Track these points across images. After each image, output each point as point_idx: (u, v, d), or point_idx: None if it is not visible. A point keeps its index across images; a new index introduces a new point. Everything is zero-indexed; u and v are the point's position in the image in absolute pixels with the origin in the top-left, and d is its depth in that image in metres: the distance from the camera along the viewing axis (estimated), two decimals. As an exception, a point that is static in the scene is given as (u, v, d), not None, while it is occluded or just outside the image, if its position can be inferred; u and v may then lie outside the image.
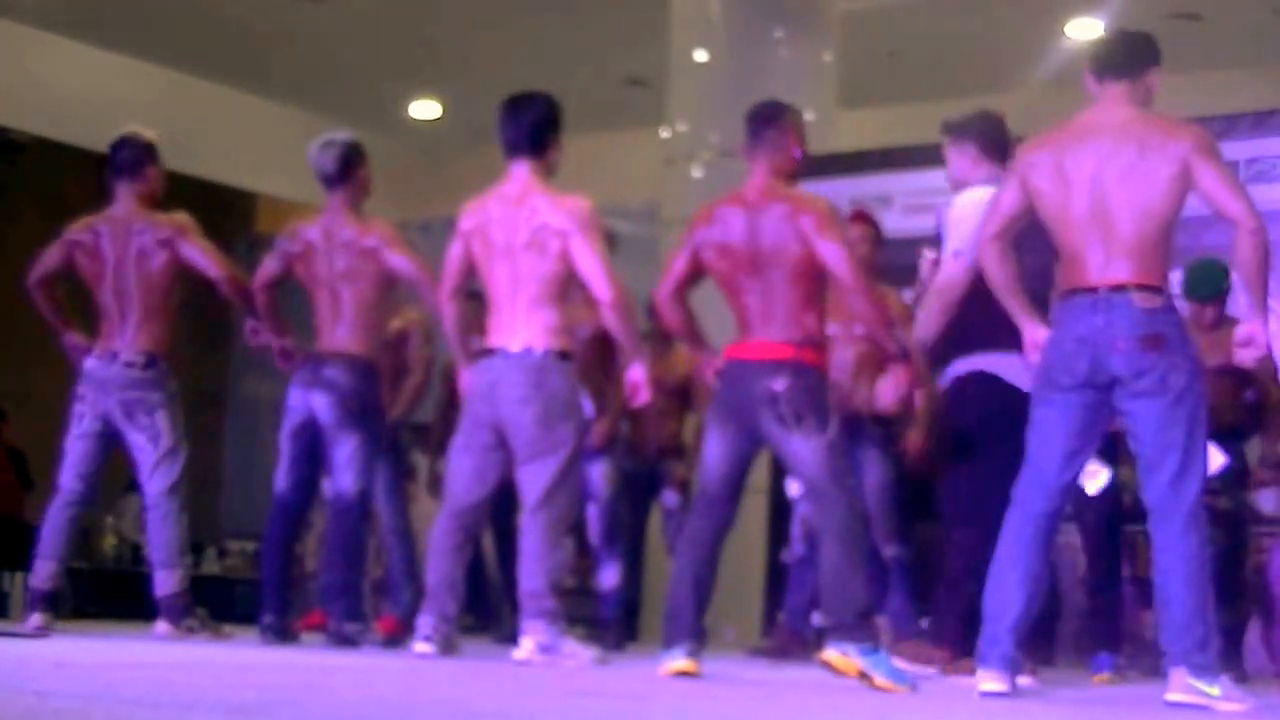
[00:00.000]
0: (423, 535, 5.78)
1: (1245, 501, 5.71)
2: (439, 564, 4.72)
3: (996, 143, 4.78)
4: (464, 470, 4.75)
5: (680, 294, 4.44)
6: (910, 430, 5.90)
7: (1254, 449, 5.86)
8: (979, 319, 4.39)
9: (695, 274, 4.43)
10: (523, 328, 4.62)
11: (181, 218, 5.48)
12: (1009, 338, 4.12)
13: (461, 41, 10.39)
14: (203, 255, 5.43)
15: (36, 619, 5.20)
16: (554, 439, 4.57)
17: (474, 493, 4.74)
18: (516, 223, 4.63)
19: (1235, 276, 3.88)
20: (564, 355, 4.64)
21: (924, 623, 6.32)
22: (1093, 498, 4.68)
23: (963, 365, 4.64)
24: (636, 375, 4.67)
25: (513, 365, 4.60)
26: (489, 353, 4.68)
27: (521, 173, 4.70)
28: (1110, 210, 3.75)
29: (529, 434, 4.58)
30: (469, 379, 4.76)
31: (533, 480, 4.60)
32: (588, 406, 4.81)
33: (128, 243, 5.38)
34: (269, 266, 5.39)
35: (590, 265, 4.59)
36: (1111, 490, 5.16)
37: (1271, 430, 5.72)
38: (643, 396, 4.69)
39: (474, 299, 5.13)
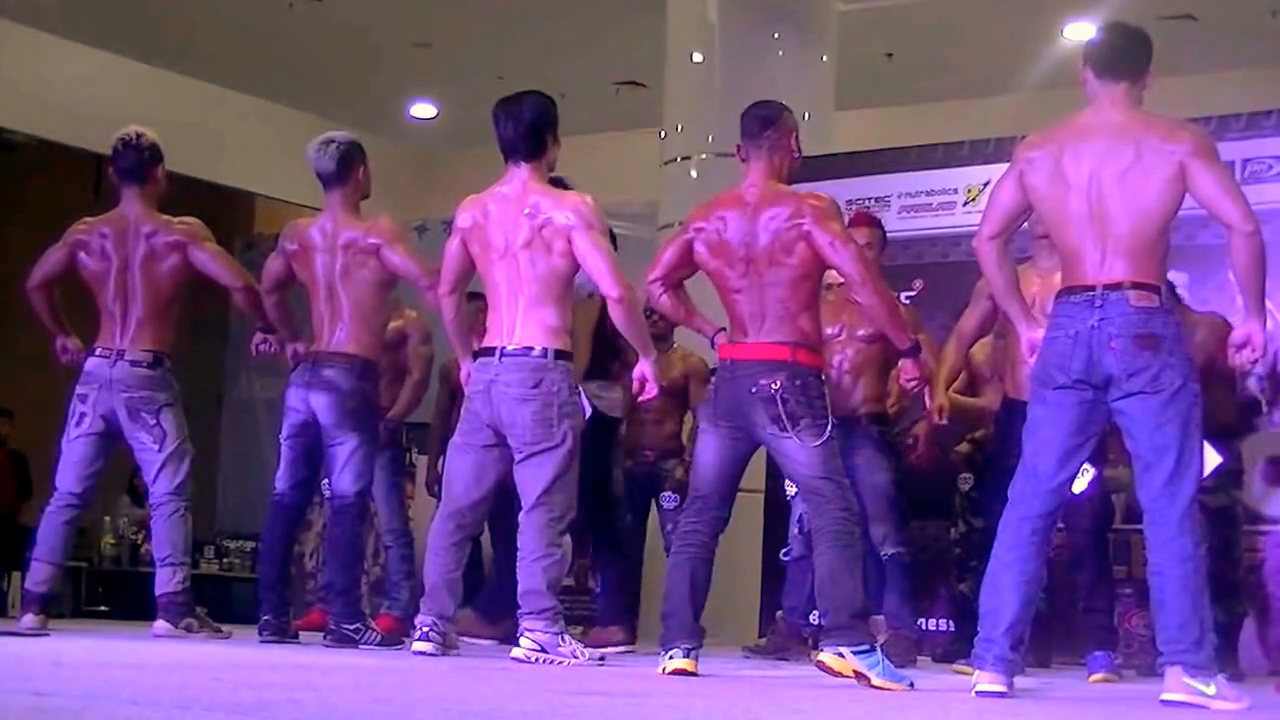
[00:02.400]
0: (421, 534, 5.80)
1: (1237, 499, 5.71)
2: (437, 563, 4.72)
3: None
4: (461, 469, 4.75)
5: (669, 282, 4.44)
6: (916, 427, 5.92)
7: (1252, 449, 5.88)
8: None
9: (685, 265, 4.42)
10: (521, 327, 4.62)
11: (193, 223, 5.49)
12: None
13: (459, 43, 10.40)
14: (215, 262, 5.44)
15: (29, 619, 5.20)
16: (552, 438, 4.58)
17: (472, 492, 4.73)
18: (516, 223, 4.62)
19: (1232, 278, 3.86)
20: (562, 355, 4.64)
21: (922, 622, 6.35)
22: (1081, 498, 4.69)
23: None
24: (645, 370, 4.65)
25: (511, 364, 4.60)
26: (487, 352, 4.68)
27: (520, 174, 4.69)
28: (1107, 209, 3.75)
29: (527, 433, 4.58)
30: (468, 376, 4.76)
31: (531, 479, 4.60)
32: (587, 406, 4.80)
33: (136, 244, 5.38)
34: (274, 266, 5.40)
35: (596, 261, 4.57)
36: (1099, 489, 5.17)
37: None
38: (651, 390, 4.68)
39: (475, 299, 5.14)
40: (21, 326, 5.76)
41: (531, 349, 4.59)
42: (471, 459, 4.72)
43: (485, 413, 4.65)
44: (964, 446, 6.01)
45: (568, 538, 4.79)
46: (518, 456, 4.61)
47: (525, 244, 4.60)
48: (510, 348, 4.61)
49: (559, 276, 4.63)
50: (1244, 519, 5.87)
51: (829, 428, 4.14)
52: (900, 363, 4.52)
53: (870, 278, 4.21)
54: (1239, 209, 3.68)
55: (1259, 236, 3.67)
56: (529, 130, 4.67)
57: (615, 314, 4.63)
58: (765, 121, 4.34)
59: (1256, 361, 3.91)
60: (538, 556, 4.56)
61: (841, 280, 4.74)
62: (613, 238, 4.80)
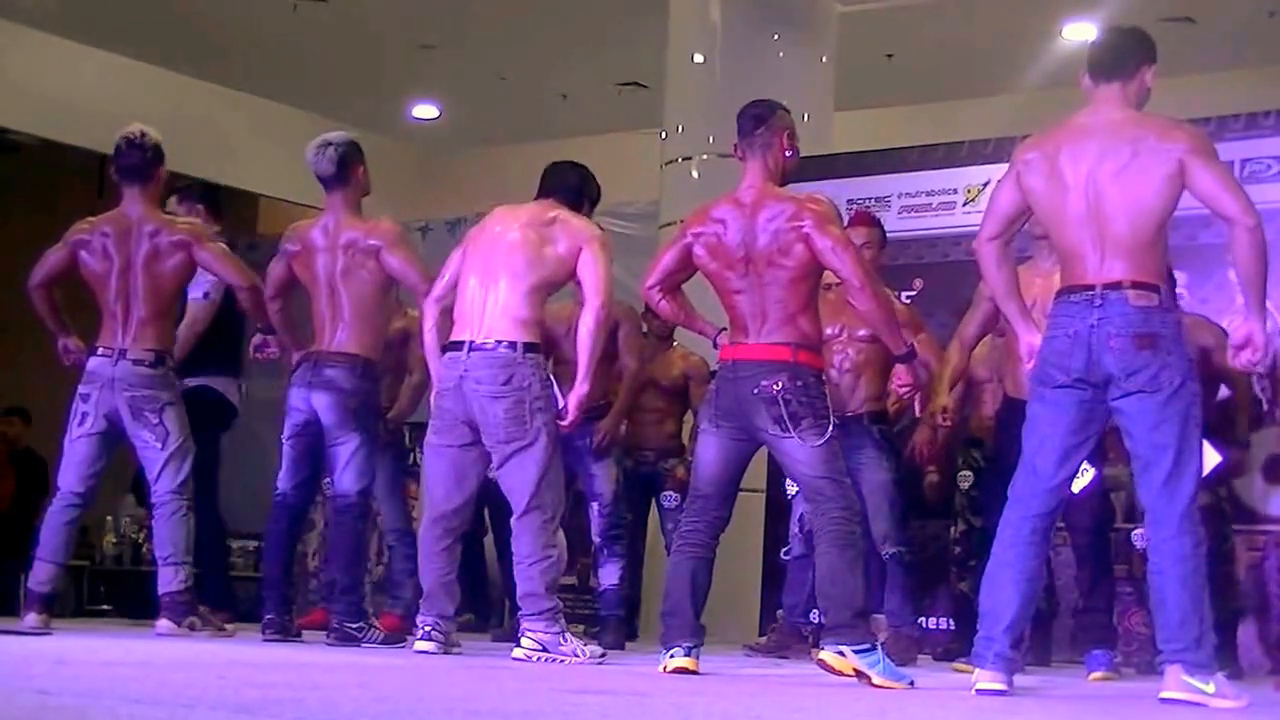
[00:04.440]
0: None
1: (1222, 496, 5.71)
2: (430, 568, 4.74)
3: (216, 204, 6.30)
4: (441, 474, 4.73)
5: (666, 286, 4.47)
6: (918, 430, 5.94)
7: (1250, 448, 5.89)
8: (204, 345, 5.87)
9: (682, 270, 4.45)
10: (491, 319, 4.63)
11: (197, 222, 5.51)
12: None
13: (461, 44, 10.40)
14: (219, 262, 5.45)
15: (32, 618, 5.21)
16: (525, 435, 4.57)
17: (454, 497, 4.73)
18: (515, 216, 4.66)
19: (1233, 276, 3.86)
20: (532, 347, 4.64)
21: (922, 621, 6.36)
22: (1082, 497, 4.70)
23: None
24: (573, 397, 4.65)
25: (479, 360, 4.60)
26: (455, 346, 4.67)
27: (548, 203, 4.81)
28: (1105, 209, 3.76)
29: (500, 431, 4.57)
30: (437, 374, 4.78)
31: (517, 485, 4.60)
32: (560, 398, 4.80)
33: (139, 243, 5.38)
34: (276, 271, 5.42)
35: (593, 274, 4.64)
36: (1100, 489, 5.18)
37: (1242, 412, 5.69)
38: (567, 420, 4.65)
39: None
40: (29, 326, 5.75)
41: (500, 343, 4.59)
42: (449, 461, 4.71)
43: (458, 409, 4.64)
44: (975, 454, 6.02)
45: (562, 535, 4.80)
46: (495, 457, 4.62)
47: (523, 226, 4.63)
48: (479, 341, 4.61)
49: (536, 268, 4.66)
50: (1233, 516, 5.87)
51: (830, 428, 4.15)
52: (894, 368, 4.53)
53: (868, 282, 4.22)
54: (1240, 203, 3.69)
55: (1261, 231, 3.67)
56: (576, 187, 4.88)
57: (584, 323, 4.66)
58: (757, 120, 4.36)
59: (1258, 363, 3.91)
60: (535, 560, 4.57)
61: (840, 280, 4.76)
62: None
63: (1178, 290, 5.44)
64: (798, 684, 4.14)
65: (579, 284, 4.82)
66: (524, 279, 4.63)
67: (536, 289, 4.66)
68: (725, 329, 4.39)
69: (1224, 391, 5.61)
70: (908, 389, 4.47)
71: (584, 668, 4.35)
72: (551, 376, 4.74)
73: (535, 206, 4.75)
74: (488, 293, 4.64)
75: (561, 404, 4.70)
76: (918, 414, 5.18)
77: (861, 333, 5.69)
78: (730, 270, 4.27)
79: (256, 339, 5.60)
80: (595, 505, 6.14)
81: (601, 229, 4.81)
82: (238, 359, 6.44)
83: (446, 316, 4.87)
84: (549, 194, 4.80)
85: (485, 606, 7.19)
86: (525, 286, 4.63)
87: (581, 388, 4.65)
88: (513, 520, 4.63)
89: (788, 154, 4.37)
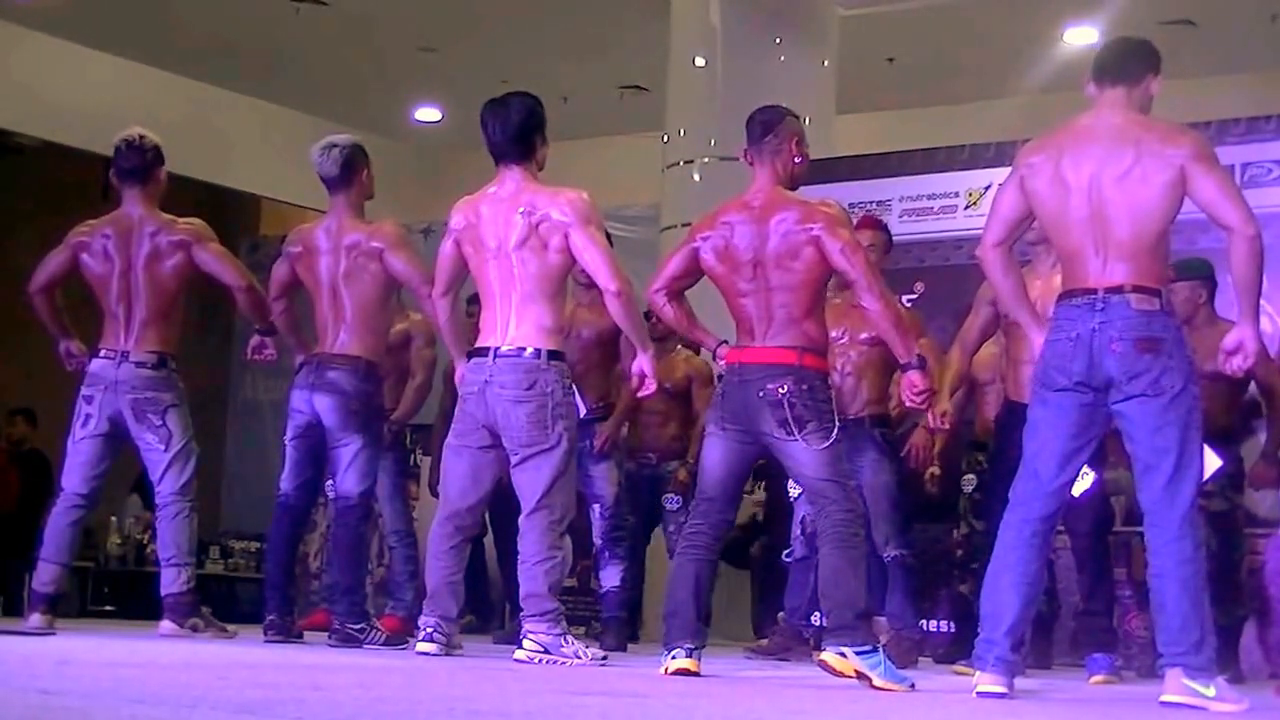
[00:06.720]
0: (424, 535, 5.83)
1: (1239, 503, 5.73)
2: (438, 566, 4.74)
3: None
4: (458, 472, 4.75)
5: (672, 292, 4.47)
6: (916, 432, 5.95)
7: (1249, 451, 5.89)
8: None
9: (689, 275, 4.45)
10: (515, 327, 4.63)
11: (198, 223, 5.52)
12: None
13: (463, 47, 10.43)
14: (219, 262, 5.46)
15: (36, 619, 5.22)
16: (547, 439, 4.58)
17: (469, 495, 4.74)
18: (510, 222, 4.63)
19: (1229, 282, 3.87)
20: (556, 355, 4.65)
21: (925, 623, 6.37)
22: (1082, 500, 4.70)
23: None
24: (643, 365, 4.66)
25: (505, 365, 4.61)
26: (481, 352, 4.69)
27: (513, 175, 4.70)
28: (1107, 212, 3.76)
29: (522, 435, 4.58)
30: (462, 376, 4.78)
31: (529, 483, 4.60)
32: (581, 405, 4.81)
33: (140, 245, 5.40)
34: (279, 273, 5.42)
35: (593, 256, 4.58)
36: (1100, 492, 5.18)
37: (1276, 422, 5.67)
38: (649, 386, 4.70)
39: (473, 303, 5.16)
40: (35, 328, 5.77)
41: (524, 349, 4.60)
42: (467, 461, 4.72)
43: (480, 414, 4.66)
44: (980, 457, 6.04)
45: (568, 539, 4.82)
46: (514, 459, 4.63)
47: (520, 242, 4.61)
48: (504, 348, 4.62)
49: (552, 275, 4.64)
50: (1244, 522, 5.88)
51: (835, 430, 4.16)
52: (903, 376, 4.45)
53: (879, 287, 4.23)
54: (1240, 212, 3.69)
55: (1259, 240, 3.68)
56: (517, 133, 4.69)
57: (613, 308, 4.65)
58: (766, 127, 4.37)
59: (1247, 369, 3.92)
60: (539, 559, 4.57)
61: (849, 283, 4.75)
62: (608, 237, 4.81)
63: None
64: (799, 686, 4.15)
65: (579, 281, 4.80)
66: (540, 294, 4.63)
67: (554, 296, 4.67)
68: (726, 341, 4.39)
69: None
70: (921, 396, 4.37)
71: (585, 669, 4.36)
72: (573, 384, 4.74)
73: (508, 207, 4.65)
74: (509, 303, 4.64)
75: (584, 410, 4.72)
76: (932, 424, 5.13)
77: (864, 336, 5.70)
78: (737, 274, 4.28)
79: (254, 340, 5.61)
80: (597, 507, 6.15)
81: (582, 198, 4.66)
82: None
83: (458, 307, 4.89)
84: (502, 158, 4.71)
85: (486, 608, 7.20)
86: (543, 300, 4.63)
87: (645, 354, 4.63)
88: (521, 519, 4.64)
89: (797, 160, 4.36)
